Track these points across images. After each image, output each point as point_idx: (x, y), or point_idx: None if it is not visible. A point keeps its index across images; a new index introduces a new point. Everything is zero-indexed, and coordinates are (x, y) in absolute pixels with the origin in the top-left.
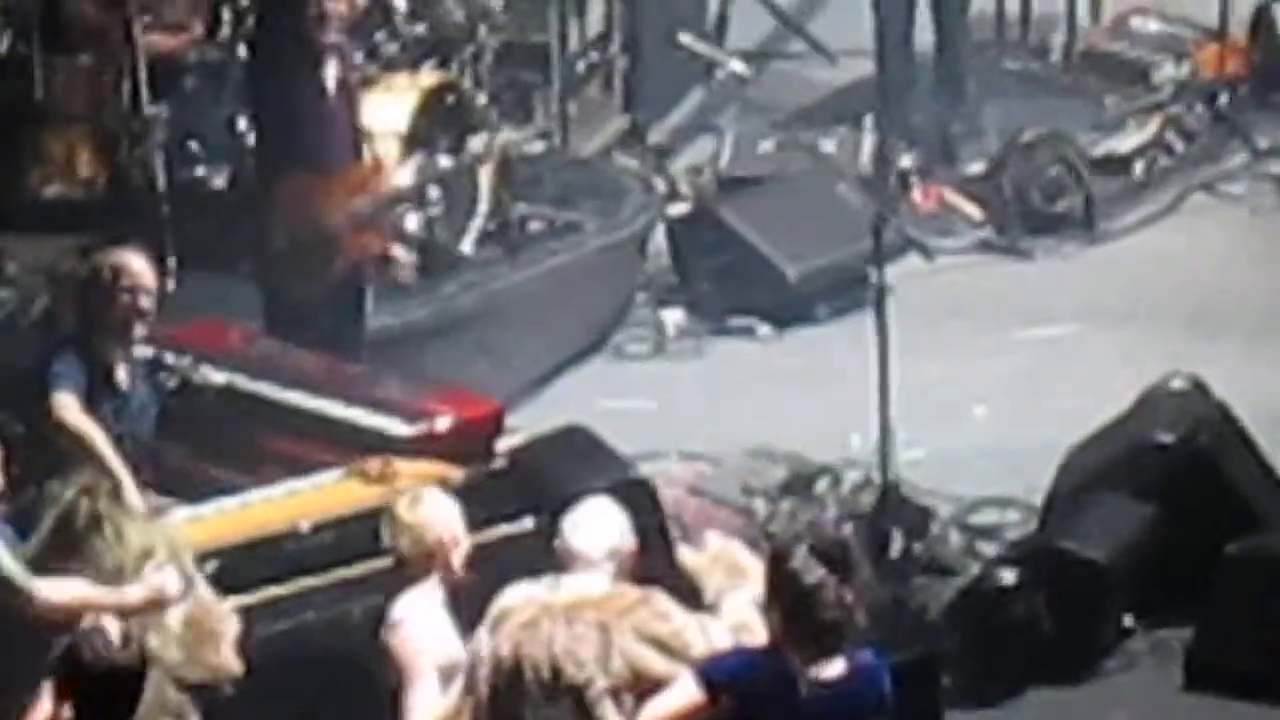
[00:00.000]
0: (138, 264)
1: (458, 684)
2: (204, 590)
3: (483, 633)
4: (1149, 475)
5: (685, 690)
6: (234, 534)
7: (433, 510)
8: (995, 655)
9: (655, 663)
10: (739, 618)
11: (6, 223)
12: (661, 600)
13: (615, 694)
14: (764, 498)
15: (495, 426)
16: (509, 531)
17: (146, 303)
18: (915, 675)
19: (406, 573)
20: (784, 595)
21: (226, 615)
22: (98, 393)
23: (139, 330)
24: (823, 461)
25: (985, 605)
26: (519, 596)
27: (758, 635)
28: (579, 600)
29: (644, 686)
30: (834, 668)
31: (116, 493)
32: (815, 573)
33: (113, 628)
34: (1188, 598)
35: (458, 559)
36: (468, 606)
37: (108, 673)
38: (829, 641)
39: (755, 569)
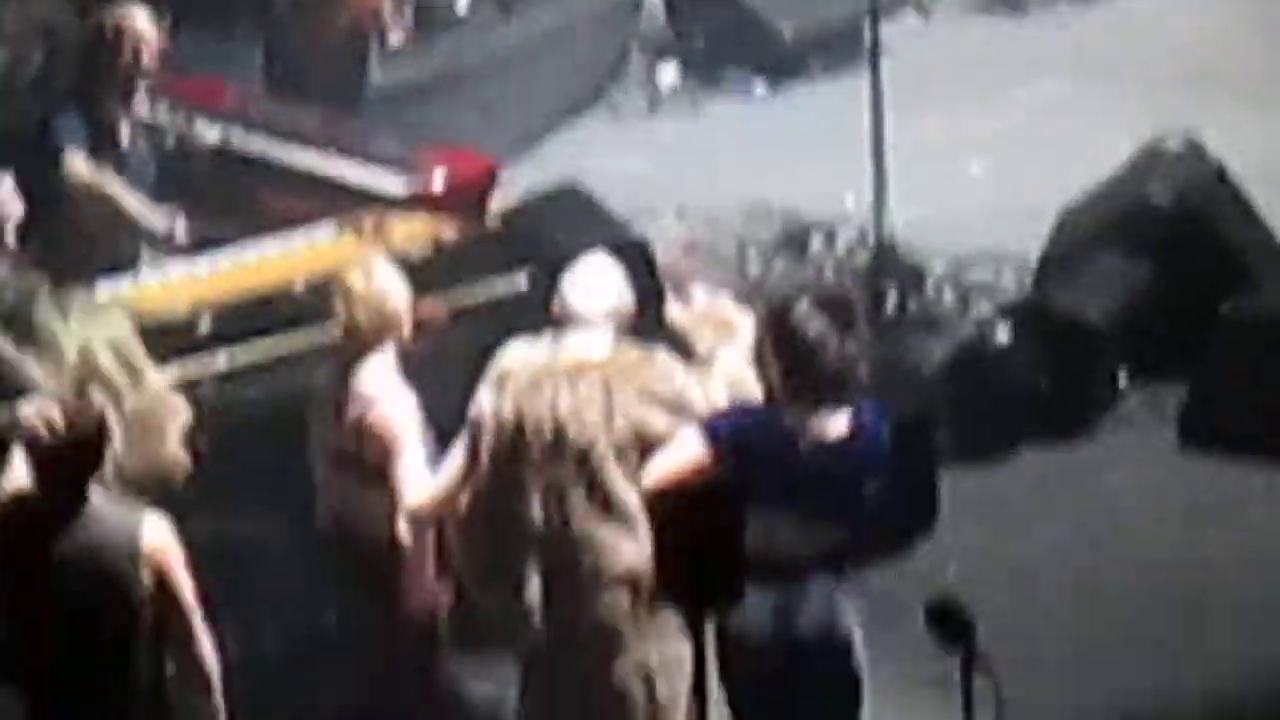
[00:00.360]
0: (141, 20)
1: (459, 448)
2: (154, 381)
3: (483, 393)
4: (1144, 235)
5: (688, 447)
6: (229, 291)
7: (386, 281)
8: (990, 414)
9: (658, 422)
10: (732, 374)
11: None
12: (663, 359)
13: (619, 453)
14: (759, 256)
15: (490, 184)
16: (502, 291)
17: (149, 60)
18: (909, 434)
19: (357, 344)
20: (785, 348)
21: (177, 407)
22: (98, 151)
23: (141, 88)
24: (818, 219)
25: (979, 364)
26: (520, 357)
27: (751, 391)
28: (582, 361)
29: (647, 445)
30: (836, 426)
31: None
32: (817, 325)
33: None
34: (1182, 358)
35: (408, 329)
36: (460, 367)
37: (71, 440)
38: (830, 395)
39: (744, 324)
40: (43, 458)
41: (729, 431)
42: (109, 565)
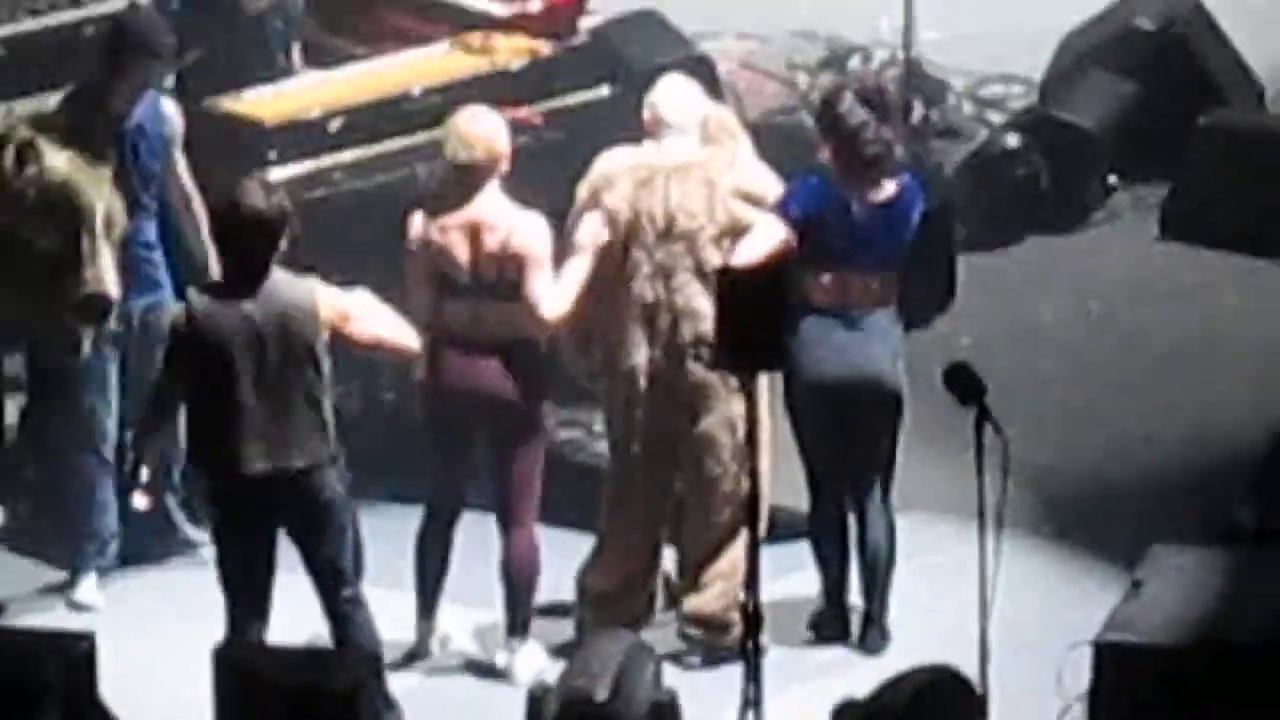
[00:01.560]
0: None
1: (576, 254)
2: None
3: (583, 190)
4: (1133, 56)
5: (772, 226)
6: (357, 95)
7: (488, 125)
8: (1000, 207)
9: (748, 212)
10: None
11: None
12: (748, 158)
13: (718, 238)
14: (805, 72)
15: (579, 8)
16: (589, 98)
17: None
18: (933, 224)
19: (470, 180)
20: (835, 133)
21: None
22: None
23: None
24: (855, 41)
25: (992, 165)
26: (625, 160)
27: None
28: (686, 162)
29: (739, 230)
30: (883, 192)
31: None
32: (859, 114)
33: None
34: (1164, 161)
35: (506, 164)
36: (552, 166)
37: (266, 218)
38: (874, 172)
39: (739, 128)
40: (234, 236)
41: (800, 205)
42: (296, 327)
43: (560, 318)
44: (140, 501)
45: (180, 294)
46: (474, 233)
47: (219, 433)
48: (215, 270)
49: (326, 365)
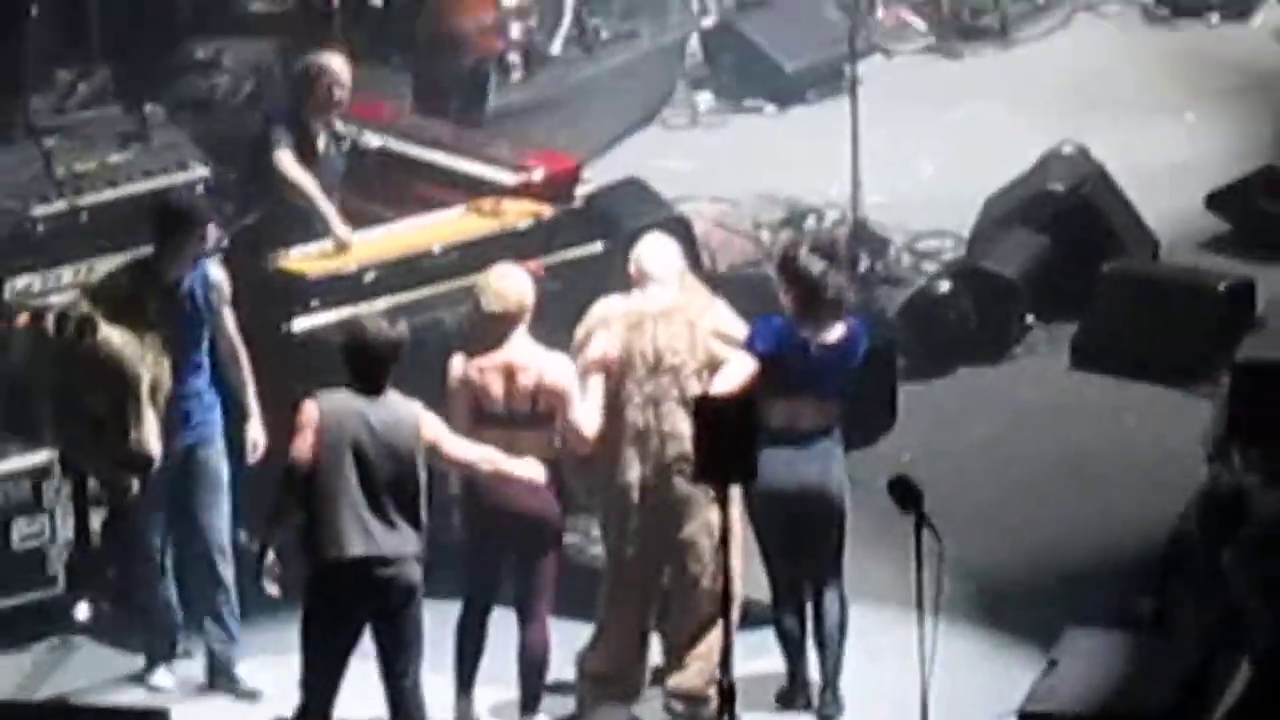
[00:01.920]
0: (337, 64)
1: (591, 388)
2: None
3: (580, 333)
4: (1046, 215)
5: (743, 361)
6: (388, 252)
7: (514, 282)
8: (934, 344)
9: (723, 350)
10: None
11: (224, 29)
12: (721, 304)
13: (697, 372)
14: (768, 229)
15: (575, 177)
16: (583, 253)
17: (340, 94)
18: (878, 358)
19: (499, 327)
20: (796, 281)
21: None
22: (304, 158)
23: (336, 111)
24: (811, 204)
25: (927, 308)
26: (617, 306)
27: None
28: (669, 307)
29: (715, 365)
30: (835, 333)
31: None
32: (817, 265)
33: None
34: (1073, 303)
35: (528, 318)
36: (553, 313)
37: (386, 344)
38: (830, 315)
39: (700, 287)
40: (363, 359)
41: (765, 344)
42: (404, 434)
43: (594, 434)
44: (272, 589)
45: (227, 436)
46: (508, 372)
47: (327, 520)
48: (256, 414)
49: (424, 475)
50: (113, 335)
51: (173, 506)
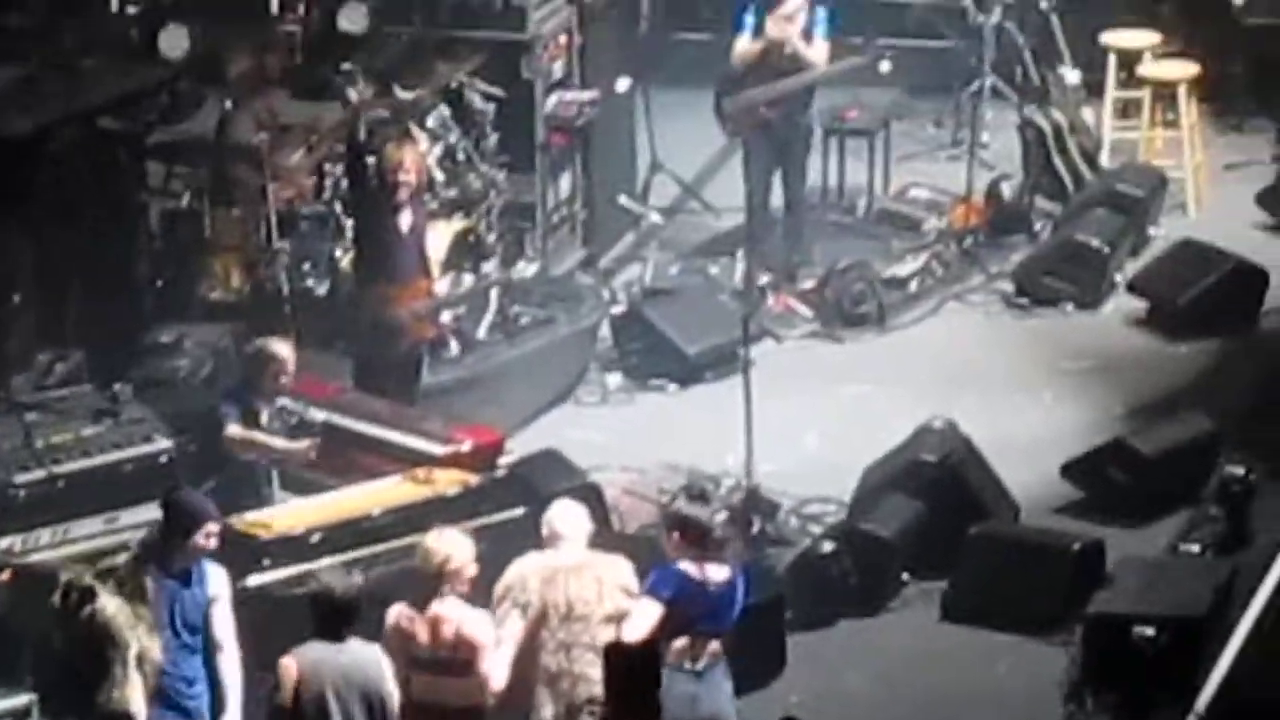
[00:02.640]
0: (285, 351)
1: (511, 632)
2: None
3: (500, 588)
4: (920, 482)
5: (650, 607)
6: (331, 516)
7: (447, 543)
8: (819, 597)
9: (626, 601)
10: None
11: (186, 316)
12: (623, 561)
13: (605, 621)
14: (671, 496)
15: (499, 449)
16: (506, 517)
17: (286, 379)
18: (767, 612)
19: (434, 585)
20: (686, 529)
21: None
22: (248, 426)
23: (280, 392)
24: (710, 472)
25: (813, 566)
26: (533, 563)
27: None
28: (580, 563)
29: (621, 614)
30: (722, 574)
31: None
32: (702, 510)
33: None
34: (944, 562)
35: (462, 583)
36: (480, 570)
37: (352, 596)
38: (714, 555)
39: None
40: (326, 612)
41: (668, 588)
42: (371, 674)
43: (503, 684)
44: None
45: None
46: (434, 623)
47: None
48: (234, 705)
49: (395, 710)
50: (109, 604)
51: None
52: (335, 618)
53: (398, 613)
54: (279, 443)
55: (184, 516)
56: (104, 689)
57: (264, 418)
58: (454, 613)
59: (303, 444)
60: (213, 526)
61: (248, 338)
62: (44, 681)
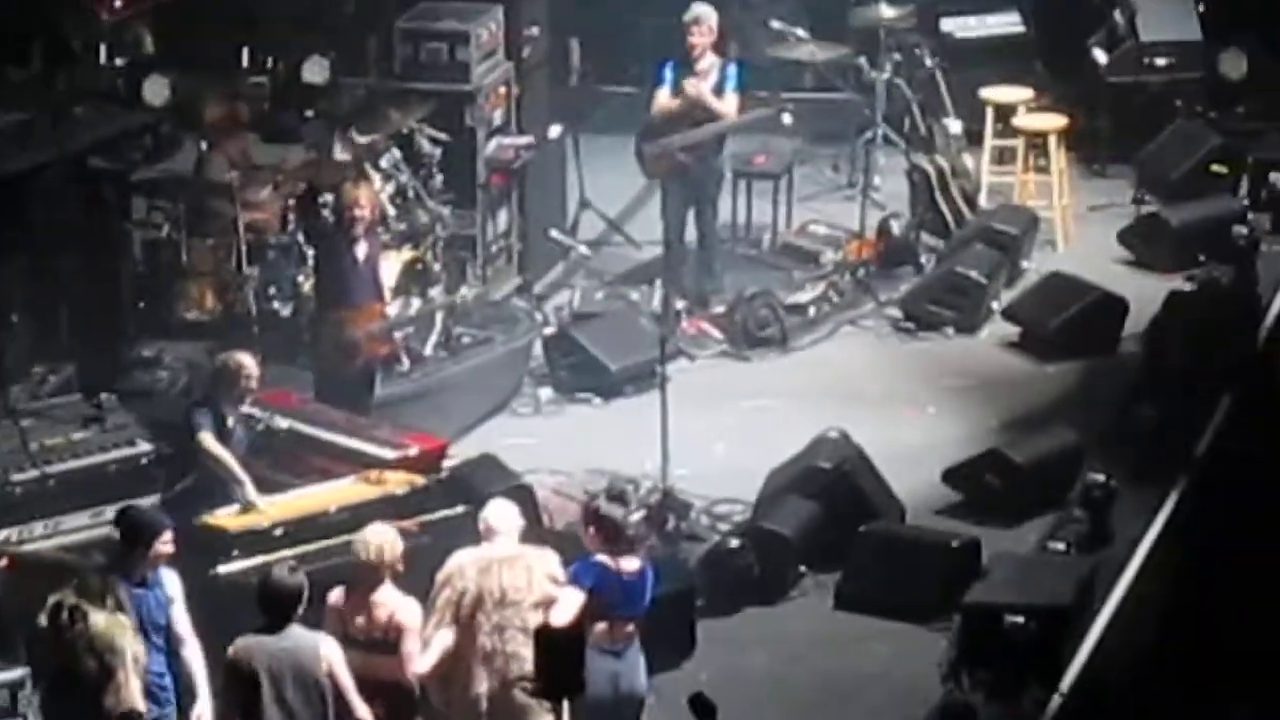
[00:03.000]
0: (249, 362)
1: (440, 629)
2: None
3: (440, 576)
4: (816, 485)
5: (574, 594)
6: (293, 512)
7: (380, 536)
8: (726, 588)
9: (553, 588)
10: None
11: (165, 334)
12: (551, 554)
13: (535, 606)
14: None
15: (442, 454)
16: (449, 514)
17: (253, 385)
18: (679, 600)
19: (372, 573)
20: (602, 526)
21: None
22: (220, 437)
23: (246, 399)
24: (630, 475)
25: (720, 559)
26: (470, 555)
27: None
28: (512, 554)
29: (549, 600)
30: (632, 565)
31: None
32: (618, 510)
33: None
34: (837, 556)
35: (394, 572)
36: (425, 560)
37: (290, 589)
38: (628, 549)
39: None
40: (270, 603)
41: (590, 577)
42: (305, 660)
43: (424, 671)
44: None
45: (178, 706)
46: (369, 607)
47: None
48: (204, 693)
49: (329, 690)
50: (99, 617)
51: None
52: (277, 608)
53: (337, 597)
54: (235, 466)
55: (144, 530)
56: (110, 692)
57: (230, 422)
58: (388, 598)
59: (247, 480)
60: (168, 535)
61: (219, 353)
62: (58, 706)
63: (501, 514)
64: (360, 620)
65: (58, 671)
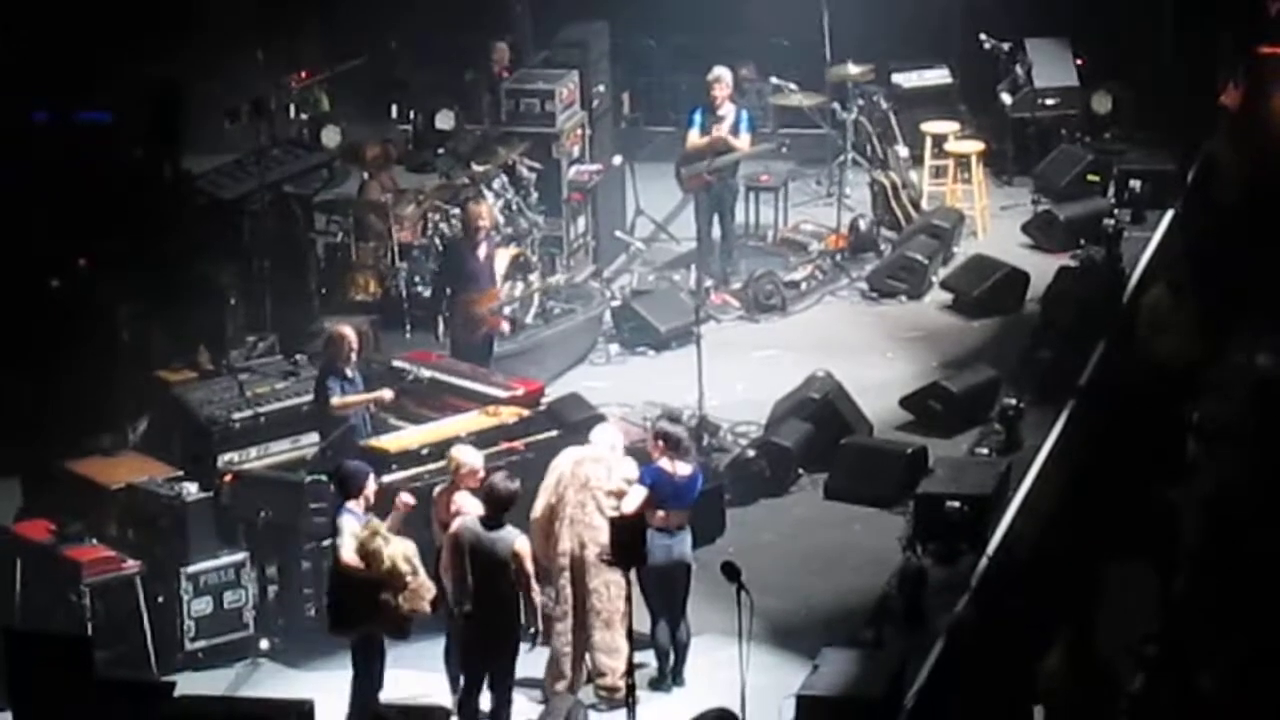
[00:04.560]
0: (349, 331)
1: (546, 489)
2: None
3: (552, 465)
4: (809, 411)
5: (640, 490)
6: (434, 437)
7: (461, 454)
8: (744, 486)
9: (625, 486)
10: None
11: (339, 311)
12: (630, 460)
13: (609, 495)
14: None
15: (540, 394)
16: (545, 436)
17: (355, 346)
18: (712, 495)
19: (454, 480)
20: (664, 440)
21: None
22: (341, 390)
23: (355, 358)
24: (677, 406)
25: (741, 465)
26: (571, 454)
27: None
28: (598, 455)
29: (620, 493)
30: (685, 469)
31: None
32: (676, 428)
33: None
34: (825, 462)
35: (472, 481)
36: (529, 468)
37: (507, 493)
38: (685, 457)
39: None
40: (493, 504)
41: (652, 478)
42: (500, 550)
43: (534, 517)
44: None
45: None
46: (448, 502)
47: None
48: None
49: (514, 576)
50: (394, 545)
51: None
52: (495, 505)
53: (438, 492)
54: (366, 396)
55: (353, 479)
56: (406, 598)
57: (349, 374)
58: (459, 499)
59: (383, 392)
60: (372, 481)
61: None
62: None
63: (600, 431)
64: (448, 508)
65: (356, 590)
